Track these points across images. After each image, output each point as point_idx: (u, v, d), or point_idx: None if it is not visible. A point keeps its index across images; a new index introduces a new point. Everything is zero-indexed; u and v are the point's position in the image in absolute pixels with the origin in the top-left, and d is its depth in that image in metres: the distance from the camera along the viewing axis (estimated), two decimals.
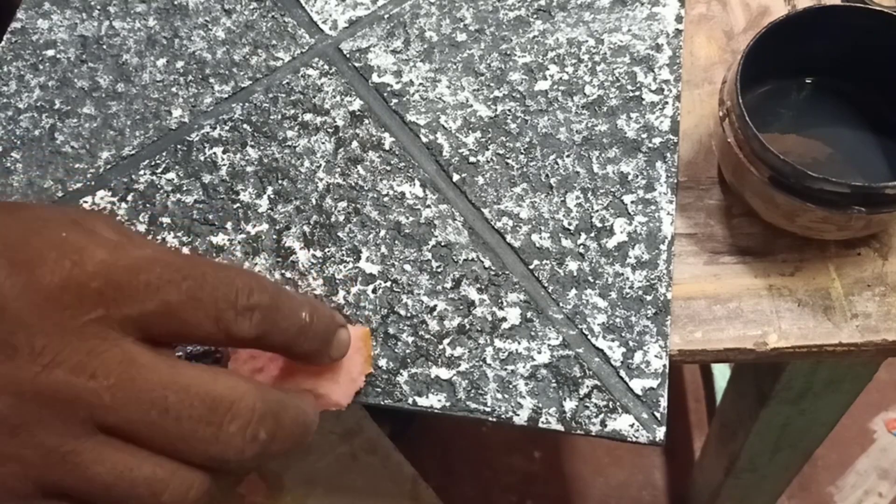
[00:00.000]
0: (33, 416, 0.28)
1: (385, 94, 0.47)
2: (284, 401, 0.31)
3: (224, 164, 0.46)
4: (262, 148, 0.46)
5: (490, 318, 0.41)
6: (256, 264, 0.43)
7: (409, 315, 0.41)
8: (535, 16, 0.49)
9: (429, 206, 0.44)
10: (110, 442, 0.29)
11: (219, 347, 0.33)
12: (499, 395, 0.39)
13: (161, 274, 0.29)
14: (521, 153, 0.45)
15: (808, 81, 0.47)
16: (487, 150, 0.45)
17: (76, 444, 0.29)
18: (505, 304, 0.41)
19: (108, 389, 0.28)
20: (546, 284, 0.42)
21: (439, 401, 0.39)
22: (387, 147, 0.46)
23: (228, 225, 0.44)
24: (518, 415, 0.39)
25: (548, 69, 0.47)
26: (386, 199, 0.44)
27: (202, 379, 0.29)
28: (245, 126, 0.47)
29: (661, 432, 0.38)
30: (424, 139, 0.46)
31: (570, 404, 0.39)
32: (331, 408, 0.37)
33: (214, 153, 0.46)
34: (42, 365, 0.28)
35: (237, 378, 0.30)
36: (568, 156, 0.45)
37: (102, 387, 0.28)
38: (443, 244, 0.43)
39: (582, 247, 0.42)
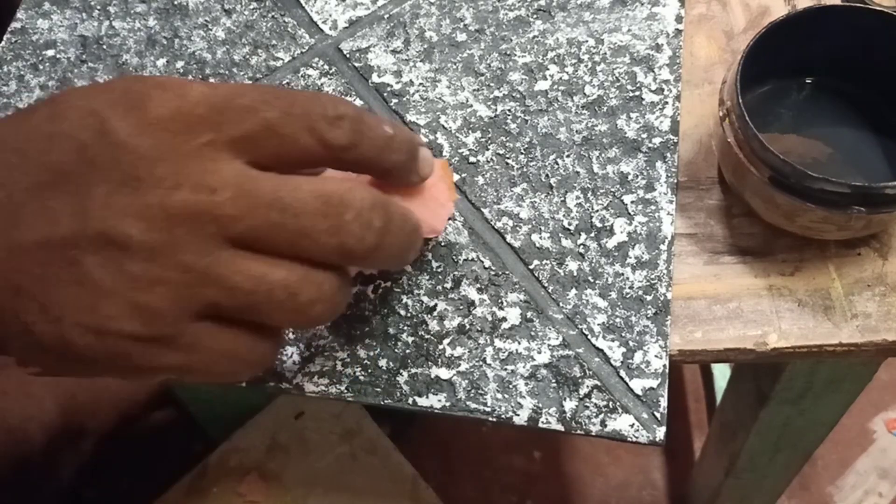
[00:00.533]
0: (168, 237, 0.30)
1: (385, 94, 0.47)
2: (389, 199, 0.33)
3: None
4: None
5: (490, 318, 0.41)
6: None
7: (409, 315, 0.41)
8: (535, 16, 0.49)
9: None
10: (241, 253, 0.31)
11: (316, 168, 0.34)
12: (499, 395, 0.39)
13: (255, 97, 0.31)
14: (521, 153, 0.45)
15: (808, 81, 0.47)
16: (487, 150, 0.45)
17: (211, 258, 0.30)
18: (505, 304, 0.41)
19: (229, 200, 0.30)
20: (546, 284, 0.42)
21: (439, 401, 0.39)
22: None
23: None
24: (518, 415, 0.39)
25: (548, 69, 0.47)
26: None
27: (311, 181, 0.31)
28: None
29: (661, 432, 0.38)
30: (424, 139, 0.46)
31: (570, 404, 0.39)
32: (427, 234, 0.37)
33: None
34: (166, 189, 0.30)
35: (342, 179, 0.32)
36: (568, 156, 0.45)
37: (224, 199, 0.30)
38: (443, 244, 0.43)
39: (582, 247, 0.42)
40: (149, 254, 0.30)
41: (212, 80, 0.48)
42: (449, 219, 0.38)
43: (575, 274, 0.42)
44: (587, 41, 0.48)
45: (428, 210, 0.37)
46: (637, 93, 0.46)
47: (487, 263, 0.42)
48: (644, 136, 0.45)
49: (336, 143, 0.31)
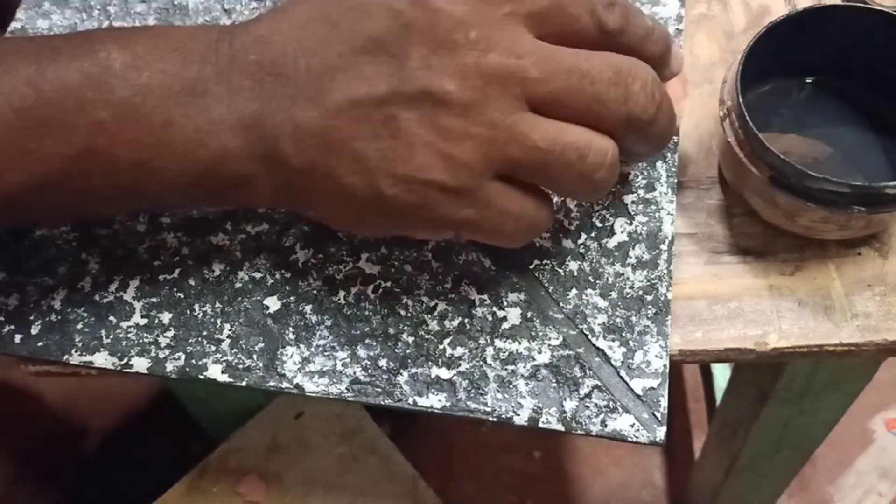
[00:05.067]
0: (480, 94, 0.33)
1: None
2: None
3: None
4: None
5: (490, 318, 0.41)
6: (256, 264, 0.43)
7: (409, 315, 0.41)
8: None
9: None
10: (539, 116, 0.34)
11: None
12: (499, 395, 0.39)
13: None
14: None
15: (808, 81, 0.47)
16: None
17: (515, 116, 0.34)
18: (505, 304, 0.41)
19: (534, 65, 0.33)
20: (546, 284, 0.42)
21: (439, 401, 0.39)
22: None
23: (228, 225, 0.44)
24: (518, 415, 0.39)
25: None
26: None
27: (602, 53, 0.35)
28: None
29: (661, 432, 0.38)
30: None
31: (570, 404, 0.39)
32: None
33: None
34: (480, 51, 0.33)
35: (622, 56, 0.35)
36: None
37: (529, 63, 0.33)
38: (443, 244, 0.43)
39: (582, 247, 0.42)
40: (463, 109, 0.33)
41: None
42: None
43: (575, 274, 0.42)
44: None
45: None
46: None
47: (487, 263, 0.42)
48: None
49: (609, 26, 0.35)
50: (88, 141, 0.34)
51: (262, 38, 0.35)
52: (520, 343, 0.40)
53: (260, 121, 0.35)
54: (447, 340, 0.41)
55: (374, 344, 0.41)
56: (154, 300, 0.42)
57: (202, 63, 0.35)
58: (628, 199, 0.43)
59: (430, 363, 0.40)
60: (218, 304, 0.42)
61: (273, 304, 0.42)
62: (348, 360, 0.41)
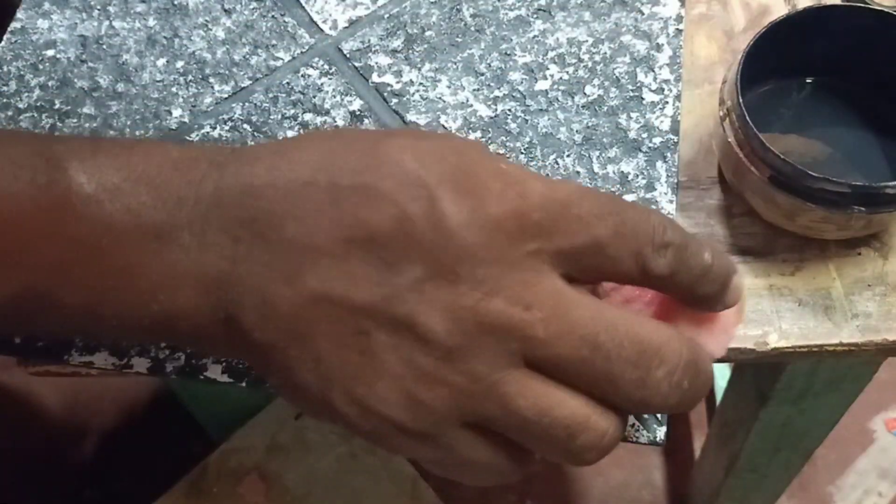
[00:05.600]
0: (469, 342, 0.28)
1: (385, 94, 0.47)
2: (700, 351, 0.30)
3: None
4: None
5: None
6: None
7: None
8: (535, 16, 0.49)
9: None
10: (535, 376, 0.29)
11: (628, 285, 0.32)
12: None
13: (590, 209, 0.29)
14: (522, 153, 0.45)
15: (808, 81, 0.47)
16: None
17: (504, 374, 0.28)
18: None
19: (541, 322, 0.28)
20: None
21: None
22: None
23: None
24: None
25: (548, 69, 0.47)
26: None
27: (628, 319, 0.29)
28: (245, 126, 0.47)
29: (661, 432, 0.38)
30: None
31: None
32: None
33: None
34: (483, 293, 0.28)
35: (658, 322, 0.30)
36: (568, 155, 0.45)
37: (537, 319, 0.28)
38: None
39: None
40: (445, 353, 0.28)
41: (211, 79, 0.48)
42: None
43: None
44: (587, 41, 0.48)
45: (712, 335, 0.34)
46: (637, 92, 0.46)
47: None
48: (644, 135, 0.45)
49: (657, 272, 0.29)
50: (30, 280, 0.30)
51: (253, 191, 0.30)
52: None
53: (226, 283, 0.30)
54: None
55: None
56: None
57: (177, 205, 0.30)
58: (628, 198, 0.43)
59: None
60: None
61: None
62: None
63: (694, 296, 0.31)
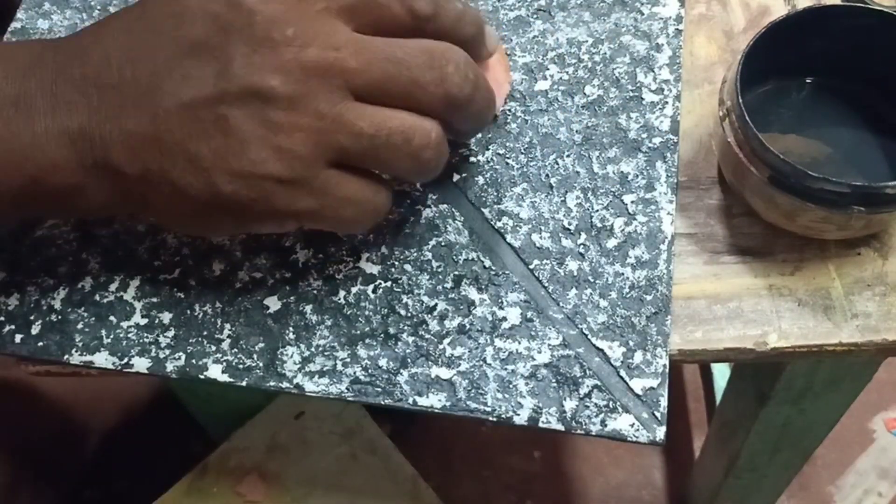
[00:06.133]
0: (303, 88, 0.34)
1: None
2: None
3: None
4: None
5: (490, 318, 0.41)
6: (256, 264, 0.43)
7: (409, 315, 0.41)
8: (535, 16, 0.49)
9: (429, 206, 0.44)
10: (365, 105, 0.35)
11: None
12: (499, 395, 0.39)
13: None
14: (522, 153, 0.45)
15: (808, 81, 0.47)
16: (487, 150, 0.45)
17: (341, 106, 0.35)
18: (505, 303, 0.41)
19: (351, 56, 0.35)
20: (546, 284, 0.42)
21: (439, 401, 0.39)
22: None
23: None
24: (518, 415, 0.39)
25: (548, 69, 0.47)
26: None
27: (415, 40, 0.36)
28: None
29: (661, 432, 0.38)
30: None
31: (570, 404, 0.39)
32: None
33: None
34: (298, 46, 0.34)
35: (436, 42, 0.37)
36: (568, 155, 0.45)
37: (347, 55, 0.35)
38: (443, 244, 0.43)
39: (582, 246, 0.42)
40: (289, 103, 0.34)
41: None
42: (506, 99, 0.44)
43: (575, 274, 0.42)
44: (587, 41, 0.48)
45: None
46: (637, 93, 0.46)
47: (487, 263, 0.42)
48: (644, 135, 0.45)
49: (420, 12, 0.36)
50: None
51: (85, 50, 0.36)
52: (520, 343, 0.40)
53: (87, 132, 0.35)
54: (447, 340, 0.41)
55: (374, 344, 0.41)
56: (154, 300, 0.42)
57: (25, 77, 0.35)
58: (628, 199, 0.43)
59: (430, 363, 0.40)
60: (218, 304, 0.42)
61: (273, 304, 0.42)
62: (348, 360, 0.41)
63: (459, 38, 0.38)
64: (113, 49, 0.36)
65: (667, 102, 0.46)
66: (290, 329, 0.41)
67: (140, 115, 0.35)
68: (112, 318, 0.42)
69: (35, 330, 0.42)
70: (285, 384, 0.40)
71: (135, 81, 0.35)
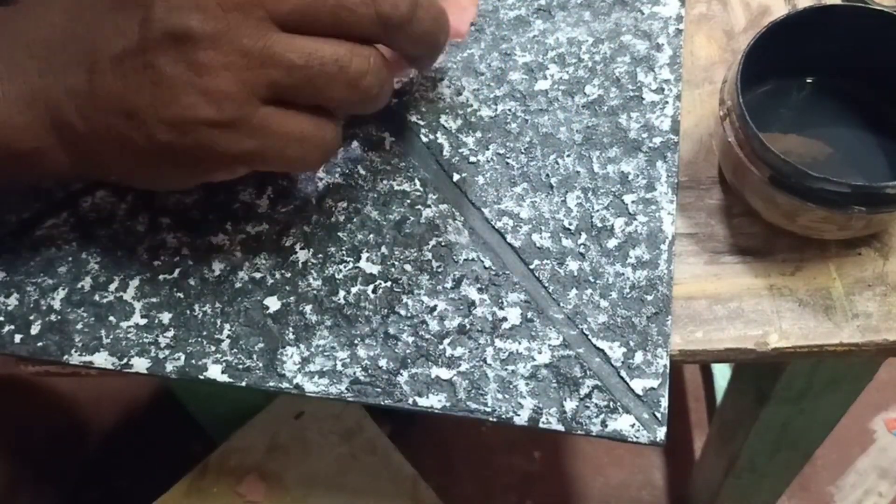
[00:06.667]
0: (223, 24, 0.33)
1: None
2: None
3: None
4: None
5: (490, 318, 0.41)
6: (256, 264, 0.43)
7: (409, 315, 0.41)
8: (535, 15, 0.49)
9: (429, 206, 0.44)
10: (292, 36, 0.34)
11: None
12: (499, 395, 0.39)
13: None
14: (522, 153, 0.45)
15: (808, 81, 0.47)
16: (487, 149, 0.45)
17: (266, 39, 0.34)
18: (505, 304, 0.41)
19: None
20: (546, 284, 0.42)
21: (439, 401, 0.39)
22: (387, 147, 0.46)
23: (228, 225, 0.44)
24: (518, 415, 0.39)
25: (548, 69, 0.47)
26: (386, 198, 0.44)
27: None
28: None
29: (661, 432, 0.38)
30: (424, 139, 0.46)
31: (570, 404, 0.39)
32: (452, 37, 0.40)
33: None
34: None
35: None
36: (568, 155, 0.45)
37: None
38: (443, 244, 0.43)
39: (582, 246, 0.42)
40: (211, 42, 0.33)
41: None
42: (471, 24, 0.43)
43: (575, 274, 0.42)
44: (587, 40, 0.48)
45: (451, 13, 0.39)
46: (637, 92, 0.46)
47: (488, 263, 0.42)
48: (644, 135, 0.45)
49: None
50: None
51: (33, 12, 0.37)
52: (520, 343, 0.40)
53: (43, 93, 0.36)
54: (447, 340, 0.41)
55: (374, 344, 0.41)
56: (154, 300, 0.42)
57: None
58: (628, 198, 0.43)
59: (430, 363, 0.40)
60: (218, 304, 0.42)
61: (273, 304, 0.42)
62: (348, 360, 0.41)
63: None
64: (57, 9, 0.37)
65: (667, 102, 0.46)
66: (290, 329, 0.41)
67: (80, 74, 0.35)
68: (112, 318, 0.42)
69: (35, 330, 0.42)
70: (285, 384, 0.40)
71: (75, 40, 0.36)
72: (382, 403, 0.40)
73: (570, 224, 0.43)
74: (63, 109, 0.36)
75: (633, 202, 0.43)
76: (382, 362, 0.40)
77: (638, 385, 0.39)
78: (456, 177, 0.45)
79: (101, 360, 0.41)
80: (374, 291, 0.42)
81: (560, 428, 0.39)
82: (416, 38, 0.36)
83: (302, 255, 0.43)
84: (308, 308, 0.42)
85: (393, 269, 0.42)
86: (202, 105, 0.34)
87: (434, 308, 0.41)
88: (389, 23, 0.35)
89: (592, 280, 0.41)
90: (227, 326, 0.41)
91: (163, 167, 0.36)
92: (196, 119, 0.34)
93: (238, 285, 0.42)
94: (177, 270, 0.43)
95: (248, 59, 0.34)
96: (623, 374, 0.39)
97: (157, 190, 0.44)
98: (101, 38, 0.35)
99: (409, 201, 0.44)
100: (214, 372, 0.41)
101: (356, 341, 0.41)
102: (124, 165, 0.37)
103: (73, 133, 0.36)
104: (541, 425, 0.39)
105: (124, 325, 0.42)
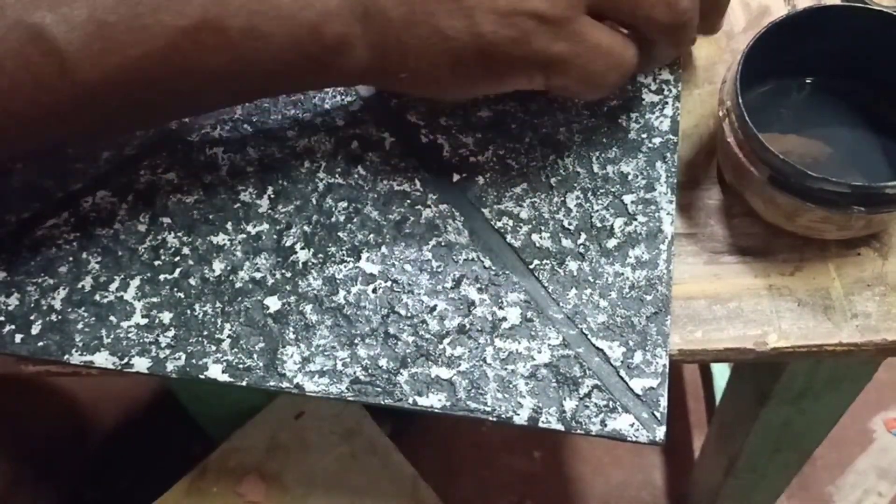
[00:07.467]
0: None
1: (385, 94, 0.47)
2: None
3: (224, 164, 0.46)
4: (262, 148, 0.46)
5: (490, 318, 0.41)
6: (256, 264, 0.43)
7: (409, 315, 0.41)
8: None
9: (429, 206, 0.44)
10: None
11: None
12: (499, 395, 0.39)
13: None
14: (522, 153, 0.45)
15: (808, 81, 0.47)
16: (487, 150, 0.45)
17: None
18: (505, 303, 0.41)
19: None
20: (546, 284, 0.42)
21: (439, 400, 0.39)
22: (387, 147, 0.46)
23: (229, 225, 0.44)
24: (518, 414, 0.39)
25: None
26: (386, 198, 0.44)
27: None
28: (245, 126, 0.47)
29: (661, 432, 0.38)
30: (424, 139, 0.46)
31: (570, 404, 0.39)
32: None
33: (214, 153, 0.46)
34: None
35: None
36: (568, 156, 0.45)
37: None
38: (443, 244, 0.43)
39: (582, 246, 0.42)
40: None
41: None
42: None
43: (575, 274, 0.42)
44: None
45: None
46: (637, 93, 0.46)
47: (487, 263, 0.42)
48: (644, 136, 0.45)
49: None
50: (202, 11, 0.36)
51: None
52: (519, 343, 0.40)
53: None
54: (447, 340, 0.41)
55: (374, 344, 0.41)
56: (154, 300, 0.42)
57: None
58: (628, 199, 0.43)
59: (430, 363, 0.40)
60: (218, 304, 0.42)
61: (273, 304, 0.42)
62: (348, 359, 0.41)
63: None
64: None
65: (667, 102, 0.46)
66: (290, 329, 0.41)
67: None
68: (112, 317, 0.42)
69: (35, 330, 0.42)
70: (285, 384, 0.40)
71: None
72: (382, 403, 0.40)
73: (570, 224, 0.43)
74: None
75: (632, 202, 0.43)
76: (382, 362, 0.40)
77: (637, 384, 0.39)
78: (456, 177, 0.45)
79: (102, 359, 0.41)
80: (374, 291, 0.42)
81: (560, 427, 0.39)
82: (683, 33, 0.40)
83: (302, 255, 0.43)
84: (308, 308, 0.42)
85: (393, 269, 0.42)
86: None
87: (434, 308, 0.41)
88: (669, 28, 0.39)
89: (592, 280, 0.42)
90: (227, 326, 0.42)
91: (467, 62, 0.37)
92: (526, 10, 0.36)
93: (238, 285, 0.42)
94: (177, 270, 0.43)
95: None
96: (622, 373, 0.39)
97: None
98: None
99: (409, 201, 0.44)
100: (215, 372, 0.41)
101: (356, 341, 0.41)
102: (426, 58, 0.37)
103: (383, 22, 0.37)
104: (540, 425, 0.39)
105: (125, 324, 0.42)
